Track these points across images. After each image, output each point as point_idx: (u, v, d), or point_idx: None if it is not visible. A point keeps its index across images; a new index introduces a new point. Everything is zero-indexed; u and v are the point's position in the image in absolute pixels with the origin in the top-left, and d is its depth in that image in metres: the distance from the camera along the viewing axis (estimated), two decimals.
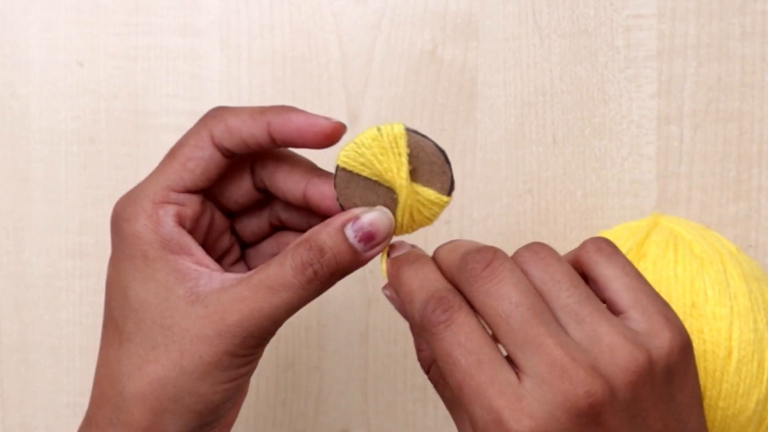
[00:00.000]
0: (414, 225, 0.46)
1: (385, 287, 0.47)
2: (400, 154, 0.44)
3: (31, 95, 0.65)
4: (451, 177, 0.45)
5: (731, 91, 0.64)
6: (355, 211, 0.45)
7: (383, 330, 0.65)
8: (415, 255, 0.46)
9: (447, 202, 0.45)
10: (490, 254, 0.43)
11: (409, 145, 0.44)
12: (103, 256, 0.65)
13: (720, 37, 0.64)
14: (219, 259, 0.50)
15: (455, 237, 0.64)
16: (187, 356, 0.44)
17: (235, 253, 0.50)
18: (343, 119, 0.64)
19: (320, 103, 0.65)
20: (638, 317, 0.43)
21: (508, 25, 0.64)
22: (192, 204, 0.46)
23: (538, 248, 0.44)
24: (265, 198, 0.49)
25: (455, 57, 0.64)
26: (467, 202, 0.65)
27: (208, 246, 0.49)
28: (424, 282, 0.44)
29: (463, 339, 0.41)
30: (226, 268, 0.50)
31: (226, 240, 0.49)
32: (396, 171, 0.44)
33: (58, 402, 0.66)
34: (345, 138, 0.46)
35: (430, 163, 0.45)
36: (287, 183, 0.47)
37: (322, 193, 0.46)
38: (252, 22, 0.65)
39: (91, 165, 0.65)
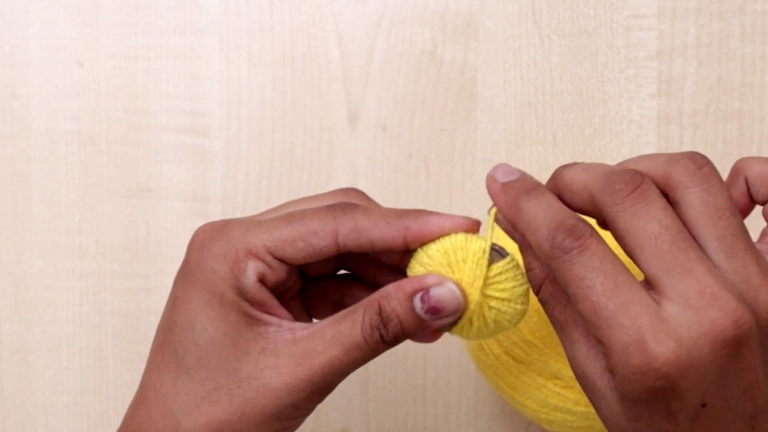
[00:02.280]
0: (473, 334, 0.47)
1: (492, 208, 0.46)
2: (481, 268, 0.45)
3: (31, 95, 0.65)
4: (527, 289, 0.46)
5: (731, 91, 0.64)
6: (427, 280, 0.44)
7: None
8: (531, 183, 0.44)
9: (523, 312, 0.46)
10: (638, 177, 0.41)
11: (497, 265, 0.45)
12: (103, 256, 0.65)
13: (720, 37, 0.64)
14: (281, 294, 0.49)
15: None
16: (250, 404, 0.44)
17: (296, 287, 0.49)
18: (343, 119, 0.64)
19: (320, 103, 0.65)
20: None
21: (508, 25, 0.64)
22: (280, 271, 0.46)
23: (700, 161, 0.42)
24: None
25: (455, 57, 0.64)
26: (467, 202, 0.65)
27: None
28: (548, 210, 0.42)
29: (598, 263, 0.40)
30: (287, 300, 0.49)
31: (292, 277, 0.49)
32: (471, 281, 0.45)
33: (58, 402, 0.66)
34: None
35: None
36: (380, 233, 0.45)
37: (424, 232, 0.46)
38: (252, 22, 0.65)
39: (91, 165, 0.65)
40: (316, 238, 0.45)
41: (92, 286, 0.66)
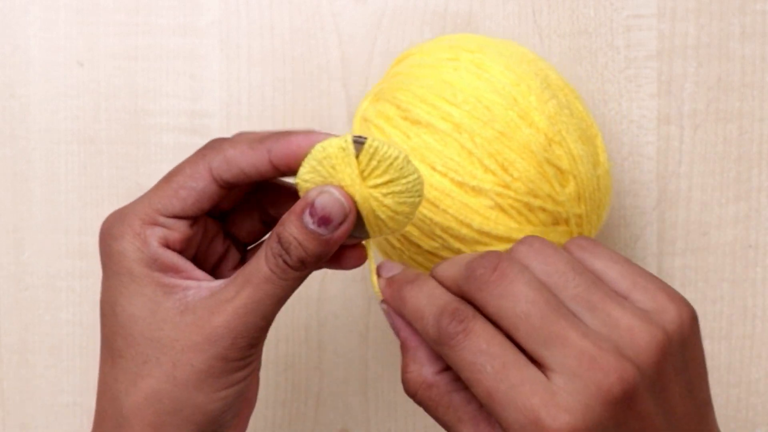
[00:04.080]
0: (388, 228, 0.46)
1: (383, 302, 0.47)
2: (350, 164, 0.45)
3: (31, 95, 0.65)
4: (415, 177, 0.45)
5: (731, 91, 0.64)
6: (309, 194, 0.44)
7: (383, 330, 0.65)
8: (412, 274, 0.46)
9: (415, 181, 0.46)
10: (495, 258, 0.43)
11: (363, 153, 0.45)
12: None
13: (720, 37, 0.64)
14: (217, 264, 0.49)
15: None
16: (179, 366, 0.44)
17: (234, 256, 0.50)
18: (343, 119, 0.64)
19: (320, 103, 0.65)
20: (642, 298, 0.43)
21: (508, 25, 0.64)
22: (180, 228, 0.46)
23: (531, 240, 0.44)
24: (250, 193, 0.49)
25: None
26: None
27: (201, 254, 0.49)
28: (431, 298, 0.44)
29: (484, 345, 0.41)
30: (227, 273, 0.49)
31: (219, 244, 0.49)
32: (349, 180, 0.45)
33: (58, 402, 0.66)
34: None
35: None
36: (248, 159, 0.46)
37: (286, 152, 0.45)
38: (252, 22, 0.65)
39: (91, 165, 0.65)
40: (194, 181, 0.46)
41: (92, 286, 0.66)
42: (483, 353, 0.41)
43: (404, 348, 0.46)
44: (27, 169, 0.66)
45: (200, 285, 0.45)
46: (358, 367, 0.65)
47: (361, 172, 0.45)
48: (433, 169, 0.53)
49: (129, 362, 0.45)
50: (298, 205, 0.44)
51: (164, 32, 0.65)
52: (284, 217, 0.45)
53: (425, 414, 0.65)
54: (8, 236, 0.66)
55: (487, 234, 0.53)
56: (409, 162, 0.45)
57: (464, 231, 0.53)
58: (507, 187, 0.53)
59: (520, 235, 0.53)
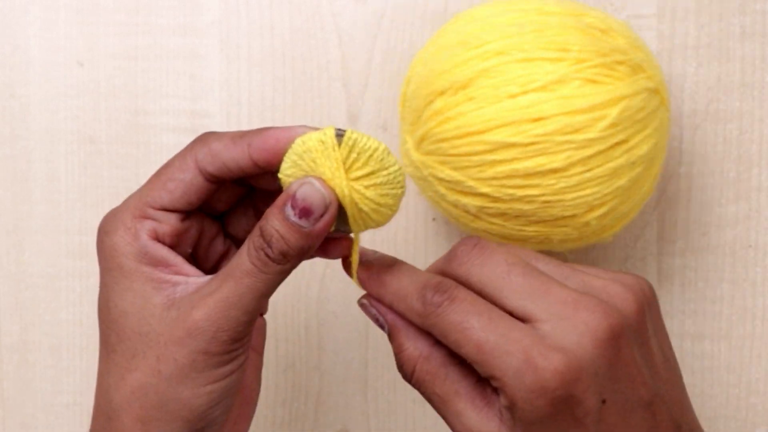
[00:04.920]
0: (373, 220, 0.46)
1: (361, 298, 0.48)
2: (330, 157, 0.45)
3: (31, 95, 0.65)
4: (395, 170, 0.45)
5: (731, 91, 0.64)
6: (292, 187, 0.44)
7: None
8: (389, 259, 0.47)
9: (398, 171, 0.46)
10: (473, 239, 0.45)
11: (343, 145, 0.45)
12: None
13: (720, 37, 0.64)
14: (218, 263, 0.50)
15: (450, 235, 0.64)
16: (162, 360, 0.45)
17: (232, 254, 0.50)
18: (343, 119, 0.64)
19: (320, 103, 0.65)
20: (603, 276, 0.46)
21: None
22: (170, 221, 0.46)
23: (485, 238, 0.47)
24: (246, 193, 0.49)
25: None
26: None
27: (202, 253, 0.49)
28: (411, 277, 0.46)
29: (469, 306, 0.43)
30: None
31: (219, 244, 0.49)
32: (330, 173, 0.45)
33: (58, 402, 0.66)
34: None
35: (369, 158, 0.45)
36: (230, 153, 0.46)
37: (264, 146, 0.46)
38: (252, 22, 0.65)
39: (91, 165, 0.65)
40: (181, 173, 0.46)
41: (92, 286, 0.66)
42: (469, 312, 0.43)
43: (394, 330, 0.47)
44: (27, 169, 0.66)
45: (188, 281, 0.46)
46: (358, 367, 0.65)
47: (343, 164, 0.45)
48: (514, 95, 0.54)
49: (120, 357, 0.46)
50: (280, 199, 0.45)
51: (164, 32, 0.65)
52: (267, 210, 0.45)
53: (425, 414, 0.65)
54: (8, 236, 0.66)
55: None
56: (389, 153, 0.45)
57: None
58: (580, 61, 0.55)
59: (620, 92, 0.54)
